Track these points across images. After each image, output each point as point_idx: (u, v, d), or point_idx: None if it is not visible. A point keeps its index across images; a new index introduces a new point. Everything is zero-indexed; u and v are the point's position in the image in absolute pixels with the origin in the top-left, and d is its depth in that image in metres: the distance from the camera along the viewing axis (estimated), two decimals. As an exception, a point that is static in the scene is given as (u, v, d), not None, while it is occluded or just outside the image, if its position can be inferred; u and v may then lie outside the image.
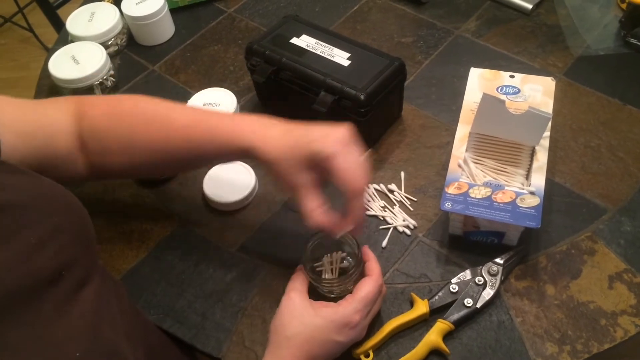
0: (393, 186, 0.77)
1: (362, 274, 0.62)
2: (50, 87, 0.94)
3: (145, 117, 0.65)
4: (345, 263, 0.67)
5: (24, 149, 0.58)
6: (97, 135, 0.64)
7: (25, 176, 0.48)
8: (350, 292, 0.60)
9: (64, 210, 0.48)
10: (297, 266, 0.64)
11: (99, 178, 0.69)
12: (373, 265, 0.62)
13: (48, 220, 0.45)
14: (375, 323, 0.65)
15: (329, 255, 0.67)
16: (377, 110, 0.76)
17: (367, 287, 0.59)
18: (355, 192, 0.57)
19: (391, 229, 0.73)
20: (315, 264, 0.67)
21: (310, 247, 0.64)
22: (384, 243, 0.72)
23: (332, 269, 0.66)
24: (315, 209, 0.58)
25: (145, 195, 0.81)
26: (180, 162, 0.68)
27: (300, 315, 0.58)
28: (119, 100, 0.68)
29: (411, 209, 0.75)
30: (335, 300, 0.60)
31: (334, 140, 0.56)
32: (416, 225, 0.73)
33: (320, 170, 0.57)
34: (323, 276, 0.66)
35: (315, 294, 0.65)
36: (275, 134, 0.59)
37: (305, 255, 0.63)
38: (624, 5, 0.93)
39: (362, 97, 0.73)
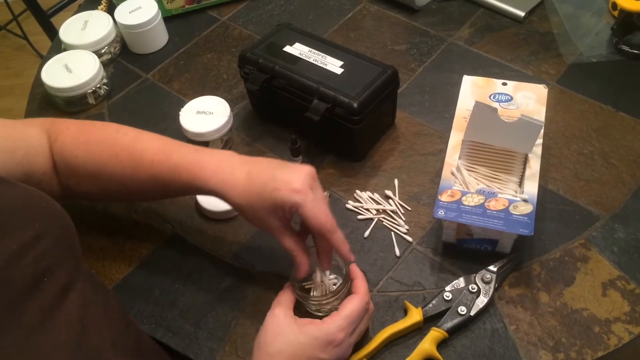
0: (389, 192, 0.77)
1: (349, 292, 0.62)
2: (43, 96, 0.94)
3: (114, 148, 0.65)
4: (334, 280, 0.67)
5: (5, 165, 0.59)
6: (66, 161, 0.66)
7: (5, 184, 0.48)
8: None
9: (45, 216, 0.48)
10: (286, 283, 0.63)
11: (74, 199, 0.69)
12: (360, 283, 0.62)
13: (29, 227, 0.45)
14: (369, 332, 0.65)
15: (317, 272, 0.67)
16: (370, 117, 0.76)
17: (352, 305, 0.59)
18: (329, 231, 0.58)
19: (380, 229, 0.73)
20: (303, 282, 0.66)
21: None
22: (396, 250, 0.72)
23: (321, 287, 0.66)
24: (295, 249, 0.61)
25: (138, 203, 0.80)
26: (148, 194, 0.70)
27: (284, 332, 0.57)
28: (91, 127, 0.68)
29: (404, 218, 0.75)
30: (321, 318, 0.59)
31: (298, 187, 0.57)
32: (408, 228, 0.73)
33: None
34: (311, 293, 0.66)
35: (302, 311, 0.64)
36: (239, 179, 0.60)
37: (293, 272, 0.62)
38: (615, 13, 0.93)
39: (355, 104, 0.73)
